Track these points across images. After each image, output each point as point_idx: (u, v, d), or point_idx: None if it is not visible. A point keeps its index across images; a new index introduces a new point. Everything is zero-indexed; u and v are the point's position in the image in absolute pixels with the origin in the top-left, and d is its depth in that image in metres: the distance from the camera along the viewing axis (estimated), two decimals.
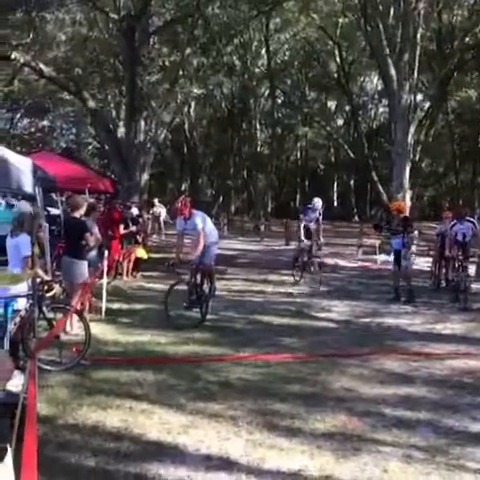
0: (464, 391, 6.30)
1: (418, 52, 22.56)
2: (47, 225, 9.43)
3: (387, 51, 22.22)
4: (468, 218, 12.40)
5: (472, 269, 14.77)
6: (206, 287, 9.83)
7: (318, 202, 13.94)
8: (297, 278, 13.98)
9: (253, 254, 21.40)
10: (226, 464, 4.55)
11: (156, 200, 27.89)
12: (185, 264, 9.68)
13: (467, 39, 26.29)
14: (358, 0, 25.46)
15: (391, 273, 12.90)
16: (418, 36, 22.26)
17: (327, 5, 29.55)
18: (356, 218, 45.44)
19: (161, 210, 27.06)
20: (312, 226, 13.85)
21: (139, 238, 14.87)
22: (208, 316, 9.53)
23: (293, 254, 14.88)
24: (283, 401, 5.90)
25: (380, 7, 22.45)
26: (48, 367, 6.57)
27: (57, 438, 4.93)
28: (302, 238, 13.81)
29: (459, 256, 11.77)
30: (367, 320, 10.17)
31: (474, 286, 13.44)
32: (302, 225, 13.87)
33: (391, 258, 13.31)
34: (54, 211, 12.97)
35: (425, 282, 14.03)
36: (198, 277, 9.67)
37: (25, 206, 7.95)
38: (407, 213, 13.25)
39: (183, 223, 9.71)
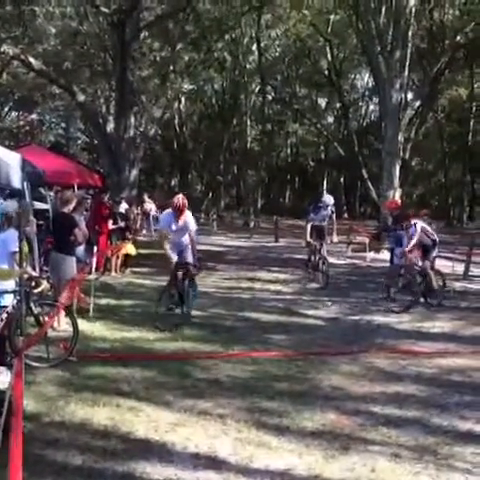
0: (453, 390, 6.31)
1: (409, 50, 22.56)
2: (34, 220, 9.35)
3: (378, 49, 22.19)
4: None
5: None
6: (187, 285, 9.34)
7: (329, 199, 13.42)
8: (311, 276, 13.76)
9: (242, 250, 21.35)
10: (214, 463, 4.52)
11: (146, 196, 27.75)
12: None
13: (458, 38, 26.28)
14: None
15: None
16: (409, 34, 22.25)
17: (318, 2, 29.46)
18: (346, 215, 45.50)
19: (151, 206, 26.98)
20: (324, 224, 13.41)
21: (127, 234, 14.66)
22: (197, 312, 9.50)
23: (307, 254, 14.21)
24: (272, 399, 5.88)
25: (372, 4, 22.40)
26: (35, 363, 6.51)
27: (44, 435, 4.89)
28: (308, 239, 13.27)
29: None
30: (356, 318, 10.17)
31: (459, 284, 13.57)
32: (309, 225, 13.25)
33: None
34: (42, 206, 12.86)
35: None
36: (179, 275, 9.24)
37: (11, 203, 7.87)
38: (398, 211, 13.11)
39: (171, 221, 9.21)
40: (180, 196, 9.29)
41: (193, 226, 9.40)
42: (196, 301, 9.69)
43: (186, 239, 9.42)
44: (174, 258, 9.16)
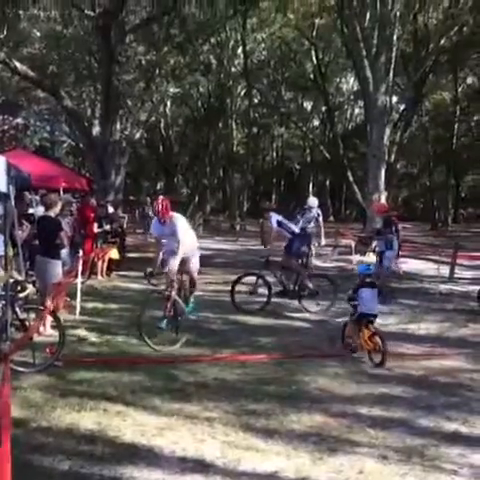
0: (438, 391, 6.35)
1: (394, 54, 22.71)
2: (29, 225, 9.31)
3: (363, 52, 22.31)
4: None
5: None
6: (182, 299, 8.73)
7: (312, 201, 12.74)
8: None
9: (229, 254, 21.35)
10: (202, 466, 4.52)
11: (148, 198, 29.60)
12: (163, 274, 8.90)
13: (442, 42, 26.51)
14: (335, 1, 25.53)
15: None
16: (394, 38, 22.39)
17: (304, 6, 29.57)
18: (331, 218, 45.67)
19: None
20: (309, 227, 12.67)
21: (109, 237, 14.44)
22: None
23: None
24: (259, 402, 5.89)
25: (357, 8, 22.53)
26: (21, 369, 6.47)
27: (30, 441, 4.86)
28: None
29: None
30: (342, 320, 10.17)
31: (444, 286, 13.65)
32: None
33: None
34: (38, 211, 12.76)
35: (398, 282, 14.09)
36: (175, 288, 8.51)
37: None
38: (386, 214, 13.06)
39: (159, 227, 8.73)
40: (159, 199, 8.70)
41: (180, 234, 8.53)
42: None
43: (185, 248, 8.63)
44: (170, 268, 8.38)
